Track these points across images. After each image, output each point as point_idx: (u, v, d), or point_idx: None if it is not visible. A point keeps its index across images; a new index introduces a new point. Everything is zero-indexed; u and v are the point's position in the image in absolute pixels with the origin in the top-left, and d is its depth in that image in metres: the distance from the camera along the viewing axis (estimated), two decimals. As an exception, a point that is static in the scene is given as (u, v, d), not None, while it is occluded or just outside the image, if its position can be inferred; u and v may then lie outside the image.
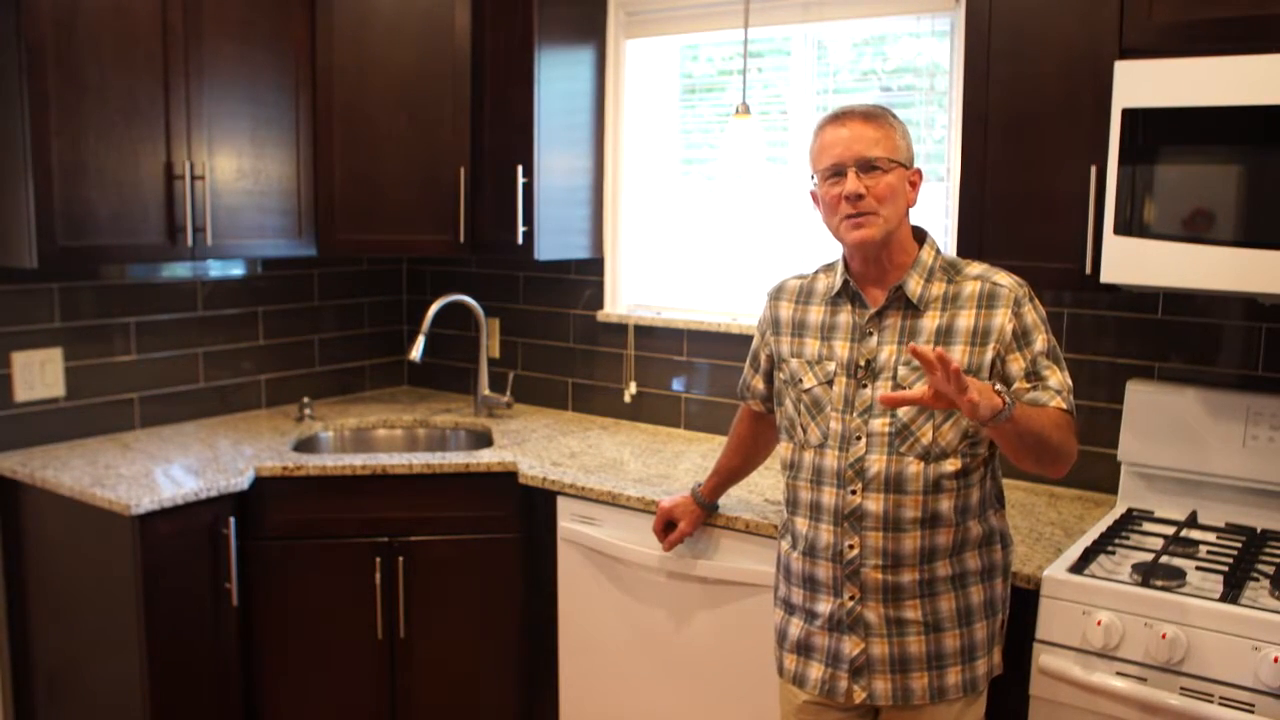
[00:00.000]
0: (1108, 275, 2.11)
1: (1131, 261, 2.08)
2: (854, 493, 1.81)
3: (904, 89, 2.83)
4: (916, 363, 1.76)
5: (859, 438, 1.82)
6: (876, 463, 1.80)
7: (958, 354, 1.77)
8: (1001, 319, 1.78)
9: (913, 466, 1.78)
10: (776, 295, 2.03)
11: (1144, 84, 2.03)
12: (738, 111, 2.87)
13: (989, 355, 1.78)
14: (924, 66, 2.80)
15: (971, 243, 2.30)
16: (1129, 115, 2.05)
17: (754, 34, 2.95)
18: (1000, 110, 2.27)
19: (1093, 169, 2.13)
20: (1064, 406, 1.77)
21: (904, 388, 1.78)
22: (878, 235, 1.79)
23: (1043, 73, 2.21)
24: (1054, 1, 2.18)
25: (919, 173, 1.86)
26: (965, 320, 1.79)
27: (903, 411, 1.79)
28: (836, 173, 1.80)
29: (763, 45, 3.04)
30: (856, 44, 2.93)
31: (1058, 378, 1.79)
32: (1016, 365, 1.78)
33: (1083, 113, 2.16)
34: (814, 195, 1.88)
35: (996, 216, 2.29)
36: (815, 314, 1.93)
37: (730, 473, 2.32)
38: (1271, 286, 1.94)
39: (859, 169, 1.77)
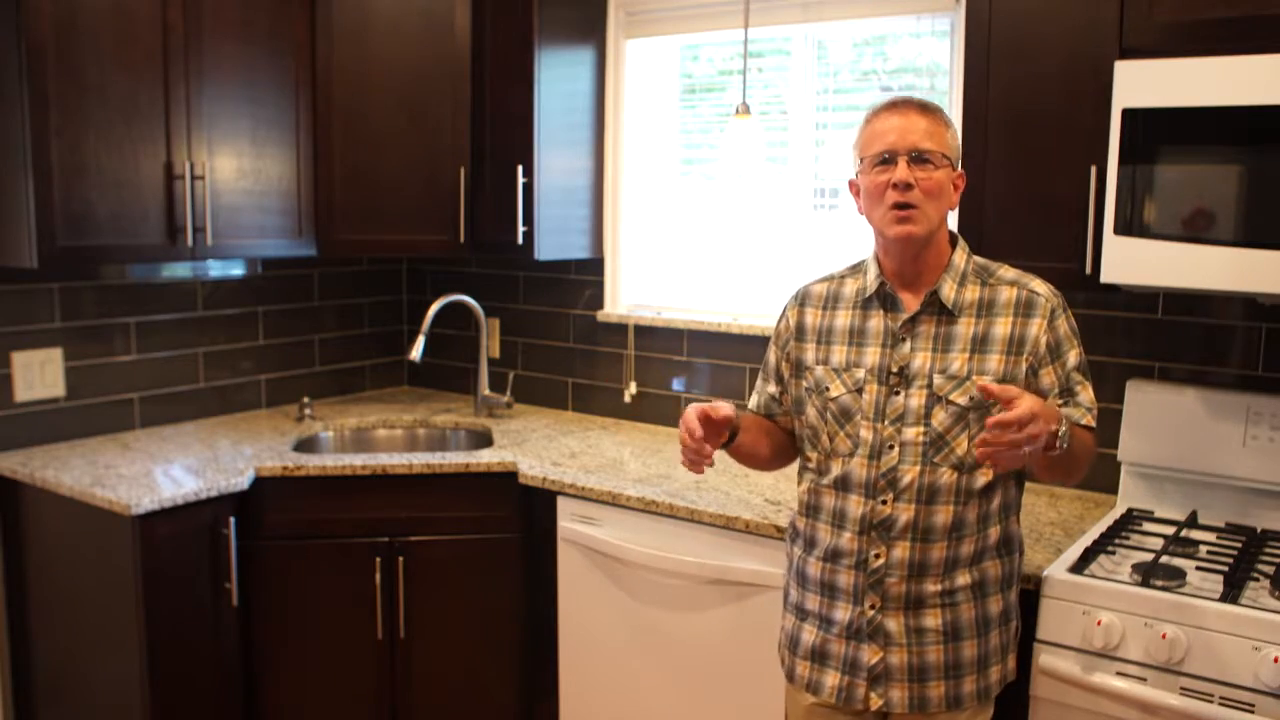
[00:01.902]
0: (1108, 275, 2.11)
1: (1131, 261, 2.08)
2: (884, 503, 1.77)
3: (904, 89, 2.83)
4: (953, 371, 1.75)
5: (891, 447, 1.77)
6: (910, 473, 1.76)
7: (993, 362, 1.75)
8: (1036, 329, 1.76)
9: (946, 477, 1.75)
10: (800, 302, 1.94)
11: (1144, 84, 2.03)
12: (738, 111, 2.86)
13: (1024, 366, 1.76)
14: (924, 66, 2.80)
15: (971, 243, 2.26)
16: (1129, 115, 2.05)
17: (754, 34, 2.95)
18: (1000, 110, 2.27)
19: (1093, 169, 2.13)
20: (1091, 424, 1.78)
21: (940, 397, 1.75)
22: (921, 232, 1.74)
23: (1043, 73, 2.21)
24: (1054, 1, 2.18)
25: (963, 176, 1.81)
26: (1001, 328, 1.76)
27: (937, 421, 1.75)
28: (886, 160, 1.74)
29: (763, 45, 3.04)
30: (857, 44, 2.93)
31: (1088, 394, 1.79)
32: (1049, 379, 1.77)
33: (1083, 113, 2.16)
34: (853, 185, 1.83)
35: (996, 216, 2.29)
36: (843, 319, 1.87)
37: (762, 430, 1.97)
38: (1271, 286, 1.94)
39: (911, 159, 1.72)
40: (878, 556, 1.78)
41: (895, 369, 1.79)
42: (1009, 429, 1.52)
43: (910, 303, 1.81)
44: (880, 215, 1.77)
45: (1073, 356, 1.79)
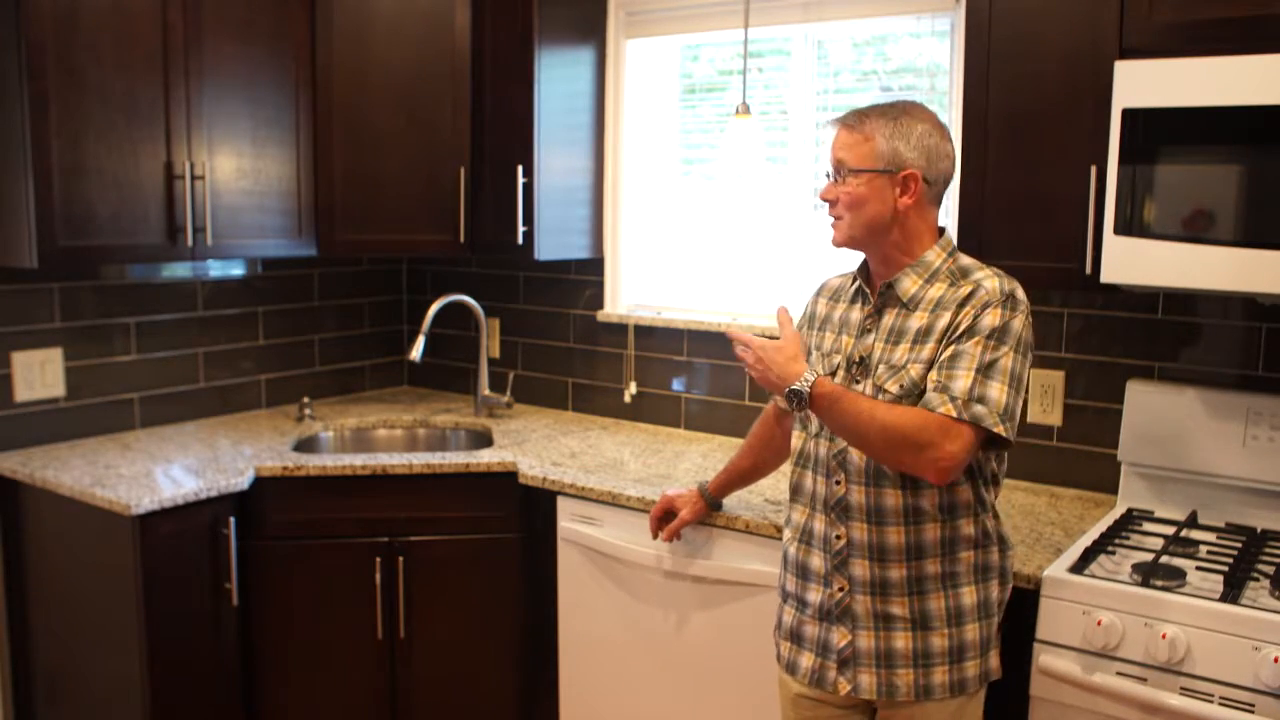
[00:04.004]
0: (1108, 275, 2.11)
1: (1131, 261, 2.08)
2: (838, 483, 1.84)
3: (904, 89, 2.83)
4: (894, 361, 1.80)
5: None
6: (858, 454, 1.82)
7: (928, 351, 1.76)
8: (962, 315, 1.75)
9: None
10: (817, 292, 2.06)
11: (1144, 84, 2.03)
12: (738, 111, 2.87)
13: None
14: (924, 66, 2.80)
15: (971, 243, 2.30)
16: (1129, 115, 2.05)
17: (754, 34, 2.95)
18: (1000, 110, 2.27)
19: (1093, 169, 2.13)
20: (951, 414, 1.68)
21: (880, 386, 1.79)
22: (840, 239, 1.86)
23: (1043, 73, 2.21)
24: (1054, 1, 2.18)
25: (912, 175, 1.79)
26: (944, 320, 1.78)
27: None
28: (828, 174, 1.87)
29: (763, 45, 3.04)
30: (857, 44, 2.92)
31: (964, 382, 1.69)
32: (943, 354, 1.74)
33: (1083, 113, 2.16)
34: None
35: (996, 216, 2.29)
36: (840, 310, 1.96)
37: (740, 473, 2.33)
38: (1271, 286, 1.94)
39: (832, 174, 1.85)
40: (839, 538, 1.85)
41: (859, 358, 1.86)
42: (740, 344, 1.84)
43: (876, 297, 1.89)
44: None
45: (975, 344, 1.71)
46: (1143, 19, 2.07)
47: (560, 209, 3.12)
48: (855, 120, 1.83)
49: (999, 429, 1.70)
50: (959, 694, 1.84)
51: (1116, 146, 2.07)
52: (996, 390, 1.70)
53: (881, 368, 1.81)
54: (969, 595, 1.83)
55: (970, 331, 1.73)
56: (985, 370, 1.71)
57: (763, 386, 1.85)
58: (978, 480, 1.83)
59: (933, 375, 1.74)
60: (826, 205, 1.87)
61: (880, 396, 1.78)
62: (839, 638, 1.86)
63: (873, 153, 1.81)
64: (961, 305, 1.77)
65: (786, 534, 1.99)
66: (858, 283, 1.93)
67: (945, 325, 1.77)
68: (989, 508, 1.87)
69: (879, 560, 1.81)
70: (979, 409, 1.69)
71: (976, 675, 1.85)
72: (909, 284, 1.83)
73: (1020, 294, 1.78)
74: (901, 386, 1.77)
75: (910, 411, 1.72)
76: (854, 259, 2.00)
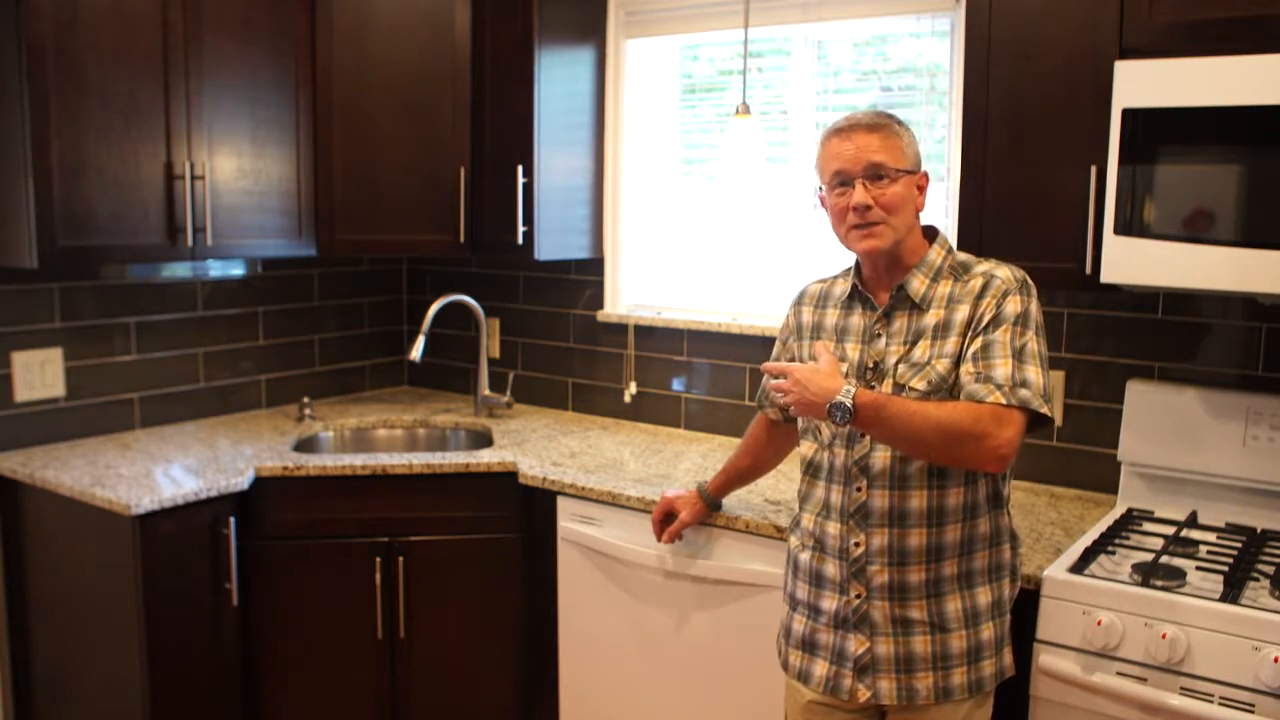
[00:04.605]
0: (1108, 275, 2.11)
1: (1131, 261, 2.08)
2: (859, 489, 1.83)
3: (904, 89, 2.83)
4: (915, 359, 1.80)
5: (864, 435, 1.82)
6: (881, 459, 1.80)
7: (951, 345, 1.78)
8: (984, 307, 1.77)
9: (916, 461, 1.78)
10: (799, 301, 2.04)
11: (1144, 84, 2.03)
12: (738, 111, 2.87)
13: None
14: (924, 66, 2.80)
15: (971, 243, 2.30)
16: (1129, 115, 2.05)
17: (754, 34, 2.95)
18: (1000, 110, 2.27)
19: (1093, 169, 2.13)
20: (1001, 401, 1.69)
21: (903, 385, 1.79)
22: (885, 245, 1.80)
23: (1043, 73, 2.21)
24: (1054, 1, 2.18)
25: (925, 176, 1.86)
26: (961, 313, 1.79)
27: None
28: (843, 183, 1.81)
29: (763, 45, 3.04)
30: (857, 44, 2.92)
31: (1004, 369, 1.71)
32: (971, 346, 1.75)
33: (1083, 113, 2.16)
34: (822, 199, 1.89)
35: (996, 216, 2.29)
36: (831, 317, 1.94)
37: (738, 473, 2.33)
38: (1271, 286, 1.94)
39: (866, 179, 1.78)
40: (858, 545, 1.83)
41: (871, 364, 1.84)
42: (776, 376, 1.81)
43: (884, 300, 1.87)
44: (845, 233, 1.85)
45: (1004, 330, 1.74)
46: (1143, 19, 2.07)
47: (560, 209, 3.13)
48: (881, 121, 1.82)
49: (1045, 409, 1.73)
50: (976, 693, 1.84)
51: (1116, 146, 2.07)
52: (1033, 373, 1.74)
53: (902, 366, 1.80)
54: (984, 595, 1.83)
55: (996, 320, 1.76)
56: (1019, 355, 1.74)
57: (804, 412, 1.79)
58: (996, 474, 1.84)
59: (968, 368, 1.74)
60: (852, 213, 1.79)
61: (905, 394, 1.78)
62: (856, 645, 1.84)
63: (903, 153, 1.81)
64: (979, 297, 1.78)
65: (794, 541, 1.97)
66: (849, 288, 1.91)
67: (965, 318, 1.78)
68: (1004, 503, 1.87)
69: (899, 565, 1.80)
70: (1024, 392, 1.71)
71: (992, 674, 1.86)
72: (918, 284, 1.83)
73: (1029, 280, 1.82)
74: (929, 382, 1.77)
75: (959, 405, 1.72)
76: (840, 263, 2.00)
